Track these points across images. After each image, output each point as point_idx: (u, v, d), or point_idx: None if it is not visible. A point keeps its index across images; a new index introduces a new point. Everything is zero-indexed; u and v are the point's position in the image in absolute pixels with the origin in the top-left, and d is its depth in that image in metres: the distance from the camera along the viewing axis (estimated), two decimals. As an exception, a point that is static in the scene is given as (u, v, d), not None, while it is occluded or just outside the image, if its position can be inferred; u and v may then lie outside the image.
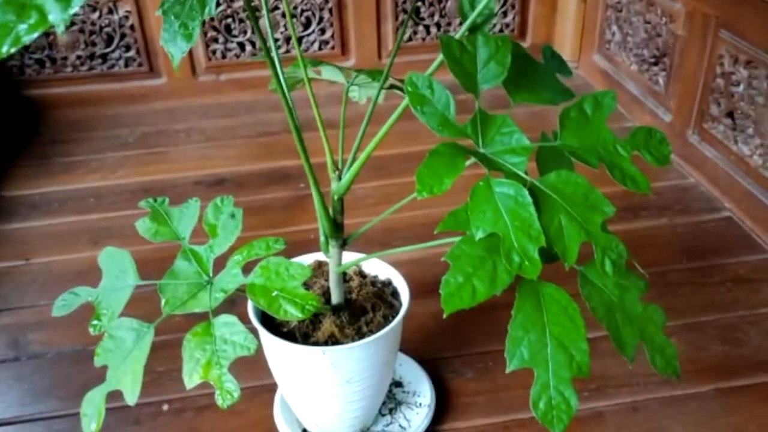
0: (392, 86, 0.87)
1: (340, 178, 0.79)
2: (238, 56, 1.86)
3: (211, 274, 0.62)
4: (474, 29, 0.68)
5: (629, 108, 1.70)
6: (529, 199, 0.61)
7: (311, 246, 0.95)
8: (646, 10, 1.55)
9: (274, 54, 0.74)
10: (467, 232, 0.62)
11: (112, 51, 1.80)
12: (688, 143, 1.46)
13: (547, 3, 1.91)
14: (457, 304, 0.58)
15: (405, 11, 1.88)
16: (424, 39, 1.93)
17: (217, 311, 0.59)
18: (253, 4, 1.64)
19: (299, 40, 1.87)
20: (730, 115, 1.32)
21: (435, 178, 0.63)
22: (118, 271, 0.61)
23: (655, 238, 1.27)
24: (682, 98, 1.47)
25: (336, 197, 0.78)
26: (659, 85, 1.55)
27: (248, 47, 1.86)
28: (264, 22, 0.91)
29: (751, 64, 1.25)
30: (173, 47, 0.56)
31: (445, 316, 0.57)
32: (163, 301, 0.60)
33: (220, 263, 0.68)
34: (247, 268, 0.62)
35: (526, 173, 0.65)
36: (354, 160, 0.78)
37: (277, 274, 0.56)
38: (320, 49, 1.89)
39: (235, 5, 1.82)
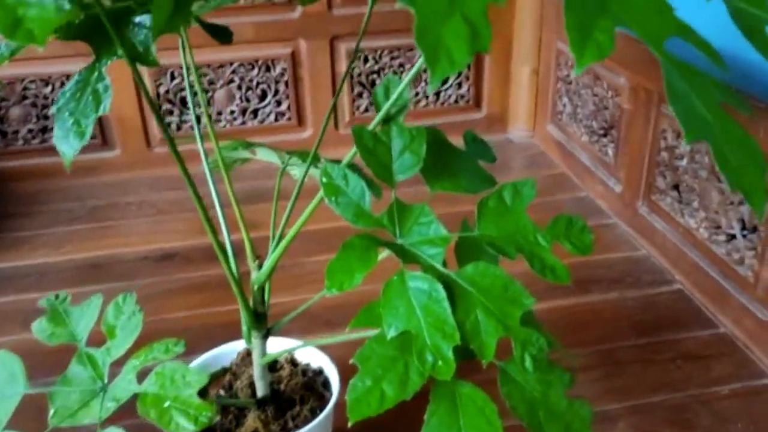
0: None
1: (260, 266, 0.76)
2: (192, 128, 1.85)
3: (105, 380, 0.59)
4: (389, 119, 0.67)
5: (582, 178, 1.71)
6: (443, 293, 0.59)
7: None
8: (594, 84, 1.58)
9: (195, 131, 0.72)
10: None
11: (65, 124, 1.78)
12: (639, 214, 1.46)
13: (500, 74, 1.94)
14: (364, 411, 0.55)
15: (361, 83, 1.90)
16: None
17: (112, 420, 0.56)
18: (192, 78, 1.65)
19: (255, 111, 1.87)
20: (676, 187, 1.32)
21: (346, 273, 0.60)
22: (7, 376, 0.57)
23: (604, 313, 1.26)
24: (630, 170, 1.48)
25: (256, 287, 0.76)
26: (609, 156, 1.57)
27: (203, 119, 1.85)
28: (199, 99, 0.90)
29: (693, 139, 1.26)
30: (65, 145, 0.55)
31: (350, 425, 0.54)
32: (51, 412, 0.56)
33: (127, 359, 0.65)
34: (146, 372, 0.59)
35: (444, 264, 0.63)
36: (280, 241, 0.76)
37: (172, 381, 0.53)
38: (276, 120, 1.89)
39: (192, 78, 1.82)
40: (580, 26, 0.42)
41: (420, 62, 0.62)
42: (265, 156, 0.98)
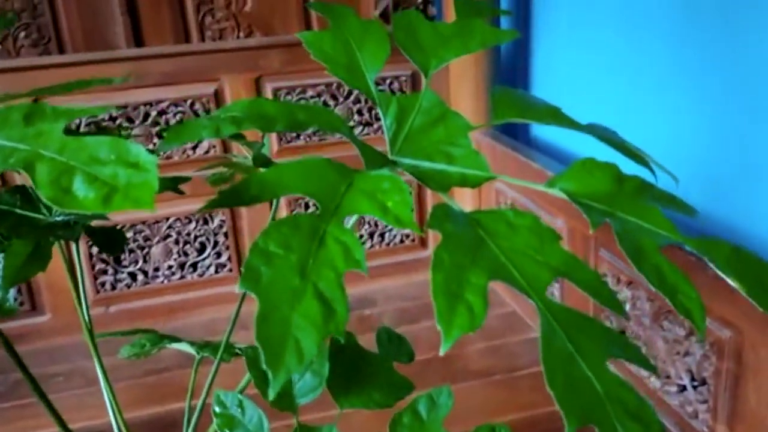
0: (240, 352, 0.80)
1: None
2: (129, 286, 1.79)
3: None
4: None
5: (534, 318, 1.67)
6: None
7: None
8: (533, 224, 1.57)
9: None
10: None
11: (-8, 291, 1.70)
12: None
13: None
14: None
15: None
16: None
17: None
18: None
19: (194, 265, 1.82)
20: (622, 333, 1.28)
21: None
22: None
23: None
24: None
25: None
26: (555, 296, 1.54)
27: (140, 276, 1.79)
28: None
29: (632, 285, 1.24)
30: None
31: None
32: None
33: None
34: None
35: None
36: None
37: None
38: (217, 272, 1.84)
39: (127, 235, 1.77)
40: (447, 286, 0.38)
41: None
42: (179, 347, 0.92)
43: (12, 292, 1.69)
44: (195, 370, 0.88)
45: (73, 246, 0.71)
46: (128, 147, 0.37)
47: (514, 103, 0.58)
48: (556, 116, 0.59)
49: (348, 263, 0.38)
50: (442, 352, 0.36)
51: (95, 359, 0.86)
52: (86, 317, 0.83)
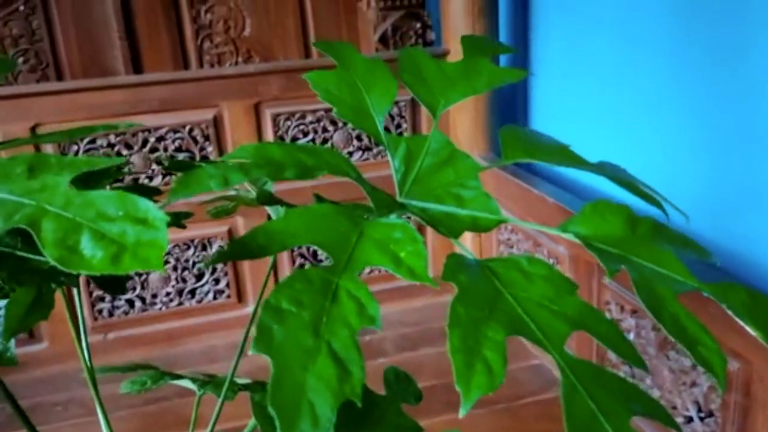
0: (244, 388, 0.79)
1: None
2: (127, 313, 1.77)
3: None
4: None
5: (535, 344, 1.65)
6: None
7: None
8: (534, 250, 1.56)
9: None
10: None
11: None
12: (593, 387, 1.39)
13: (445, 242, 1.92)
14: None
15: (302, 255, 1.86)
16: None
17: None
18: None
19: (192, 291, 1.80)
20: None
21: None
22: None
23: None
24: (578, 341, 1.43)
25: None
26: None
27: (138, 303, 1.77)
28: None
29: (637, 314, 1.23)
30: None
31: None
32: None
33: None
34: None
35: None
36: None
37: None
38: (215, 298, 1.82)
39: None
40: (464, 342, 0.37)
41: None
42: (181, 383, 0.91)
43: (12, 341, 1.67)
44: (196, 408, 0.87)
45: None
46: (137, 202, 0.36)
47: (523, 143, 0.57)
48: (565, 156, 0.58)
49: (362, 320, 0.37)
50: (461, 414, 0.35)
51: (93, 395, 0.84)
52: (85, 355, 0.82)
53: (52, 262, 0.33)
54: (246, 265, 1.82)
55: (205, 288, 1.81)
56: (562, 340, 0.40)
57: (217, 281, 1.81)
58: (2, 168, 0.40)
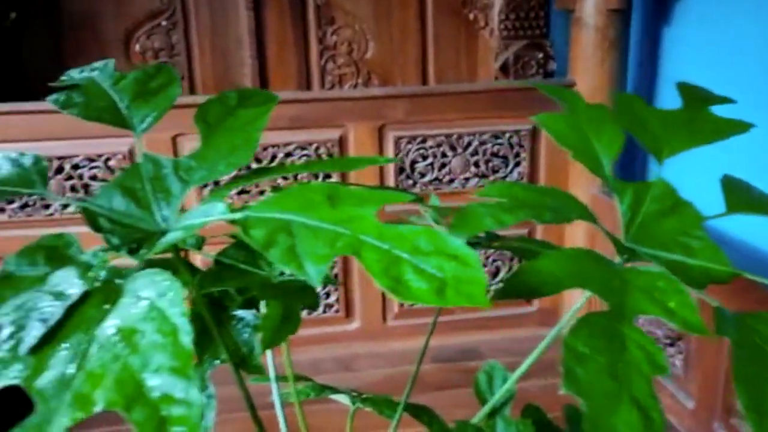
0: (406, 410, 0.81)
1: None
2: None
3: None
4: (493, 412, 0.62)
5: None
6: None
7: None
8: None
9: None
10: None
11: None
12: (716, 436, 1.36)
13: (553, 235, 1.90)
14: None
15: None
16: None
17: None
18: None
19: (304, 304, 1.85)
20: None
21: None
22: None
23: None
24: (703, 386, 1.40)
25: None
26: (677, 367, 1.49)
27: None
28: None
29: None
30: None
31: None
32: None
33: None
34: None
35: None
36: None
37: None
38: (324, 312, 1.86)
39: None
40: (753, 401, 0.38)
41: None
42: (335, 395, 0.94)
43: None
44: (351, 423, 0.89)
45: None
46: (446, 239, 0.39)
47: (745, 195, 0.58)
48: (786, 211, 0.58)
49: (654, 369, 0.38)
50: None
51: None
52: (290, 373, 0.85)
53: (385, 291, 0.36)
54: (356, 283, 1.85)
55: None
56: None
57: (327, 295, 1.85)
58: (302, 196, 0.43)
